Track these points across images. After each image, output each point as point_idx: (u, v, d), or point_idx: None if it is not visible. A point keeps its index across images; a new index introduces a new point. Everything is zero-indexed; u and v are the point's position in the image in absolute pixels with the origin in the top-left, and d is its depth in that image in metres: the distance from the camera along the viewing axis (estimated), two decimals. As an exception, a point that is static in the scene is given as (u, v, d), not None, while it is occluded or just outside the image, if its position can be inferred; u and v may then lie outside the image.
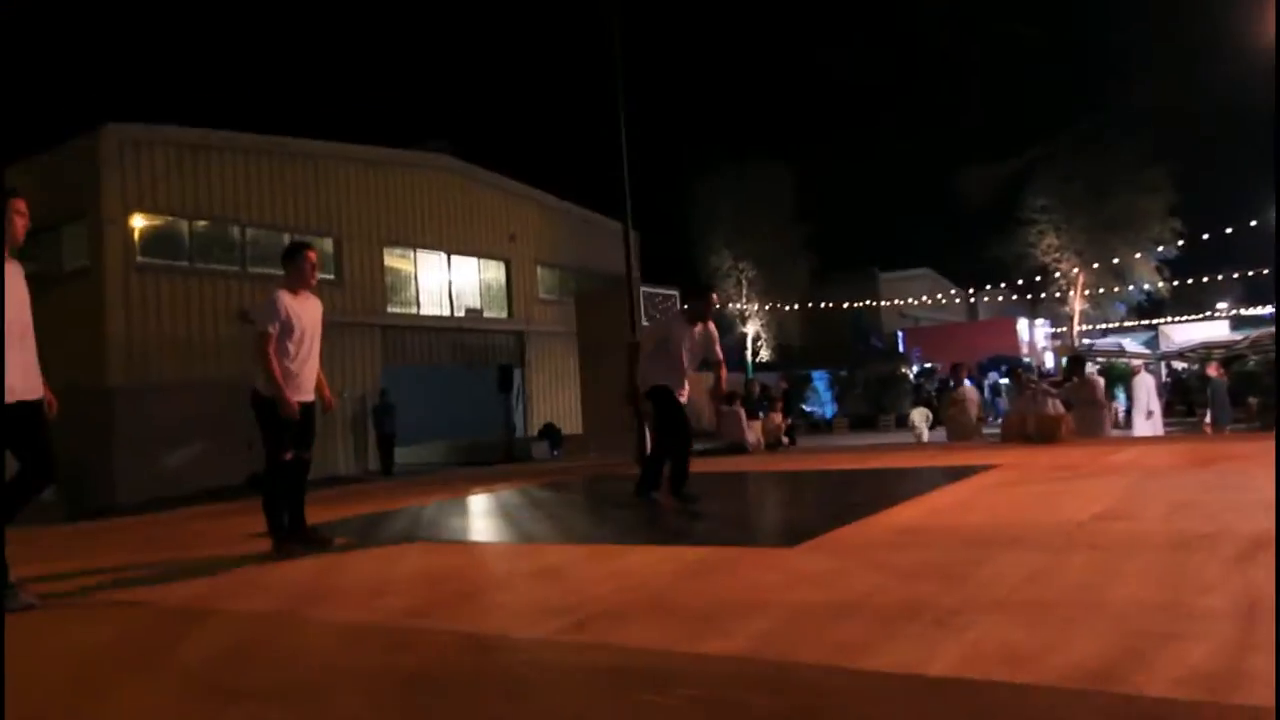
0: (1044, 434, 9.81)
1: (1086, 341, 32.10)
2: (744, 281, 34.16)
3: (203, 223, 19.10)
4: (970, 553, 3.78)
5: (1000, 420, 13.92)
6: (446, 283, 24.29)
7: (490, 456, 18.54)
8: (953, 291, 46.37)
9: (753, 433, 11.93)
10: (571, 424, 21.73)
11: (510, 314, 25.67)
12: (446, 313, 24.05)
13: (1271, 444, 7.99)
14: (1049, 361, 34.96)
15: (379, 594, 3.85)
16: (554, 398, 25.02)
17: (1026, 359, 34.24)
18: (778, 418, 13.28)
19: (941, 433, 17.29)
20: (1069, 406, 10.92)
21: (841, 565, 3.76)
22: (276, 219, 20.12)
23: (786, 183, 33.97)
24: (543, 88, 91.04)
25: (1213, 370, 19.28)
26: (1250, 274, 37.68)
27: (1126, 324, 37.43)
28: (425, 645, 2.90)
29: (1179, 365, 28.52)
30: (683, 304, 6.34)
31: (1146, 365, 27.94)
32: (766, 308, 33.66)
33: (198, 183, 18.80)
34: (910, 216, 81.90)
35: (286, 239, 20.00)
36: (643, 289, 15.45)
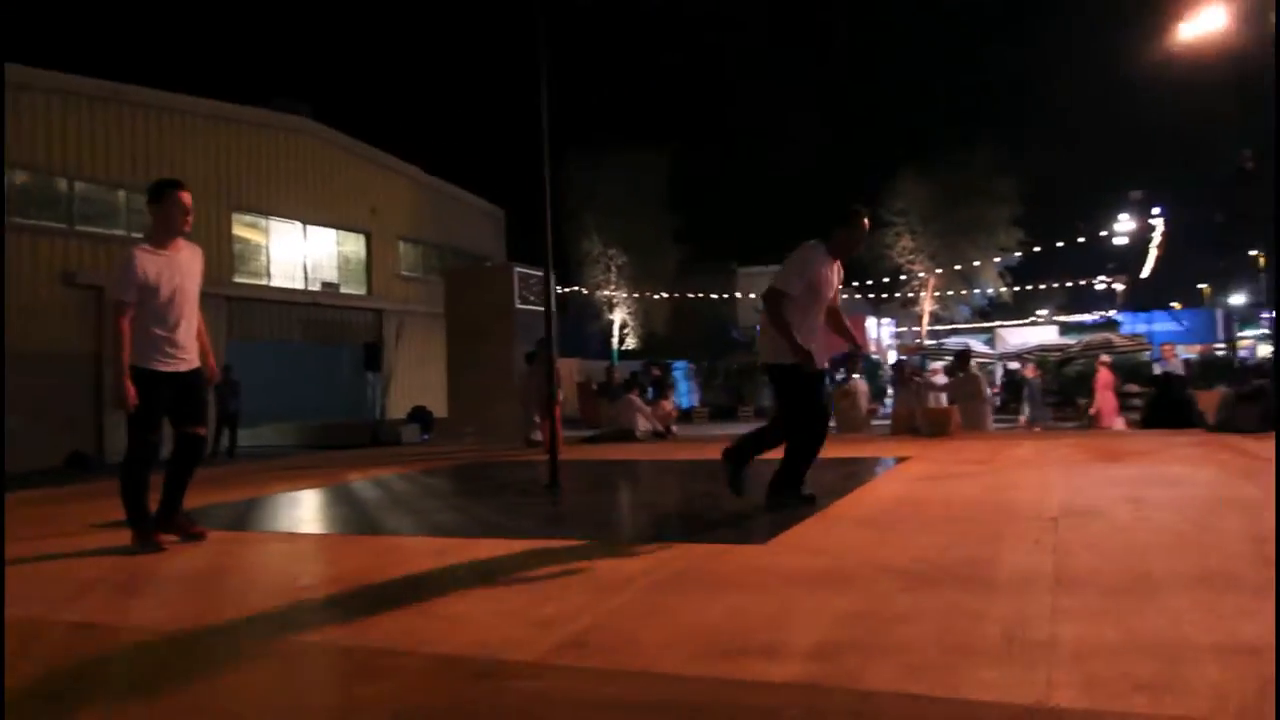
0: (933, 427, 9.92)
1: (933, 341, 33.61)
2: (613, 268, 33.84)
3: (23, 174, 16.99)
4: (966, 549, 3.51)
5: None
6: (301, 254, 22.75)
7: (354, 439, 17.41)
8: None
9: (646, 420, 11.57)
10: (435, 407, 20.79)
11: (369, 290, 24.34)
12: (300, 286, 22.52)
13: (1152, 441, 8.31)
14: (892, 359, 36.47)
15: (304, 600, 3.21)
16: (415, 379, 23.91)
17: (874, 356, 35.57)
18: (668, 405, 12.99)
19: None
20: (952, 400, 11.15)
21: (836, 565, 3.40)
22: (110, 174, 18.17)
23: (660, 172, 33.83)
24: (412, 61, 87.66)
25: (1029, 371, 20.65)
26: (1082, 283, 40.53)
27: (963, 326, 39.54)
28: (399, 672, 2.32)
29: (1013, 366, 30.37)
30: (832, 232, 4.80)
31: (985, 364, 29.62)
32: (634, 296, 33.47)
33: (20, 129, 16.68)
34: (770, 213, 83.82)
35: (122, 196, 18.14)
36: (517, 270, 14.84)
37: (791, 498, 4.82)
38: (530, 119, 6.80)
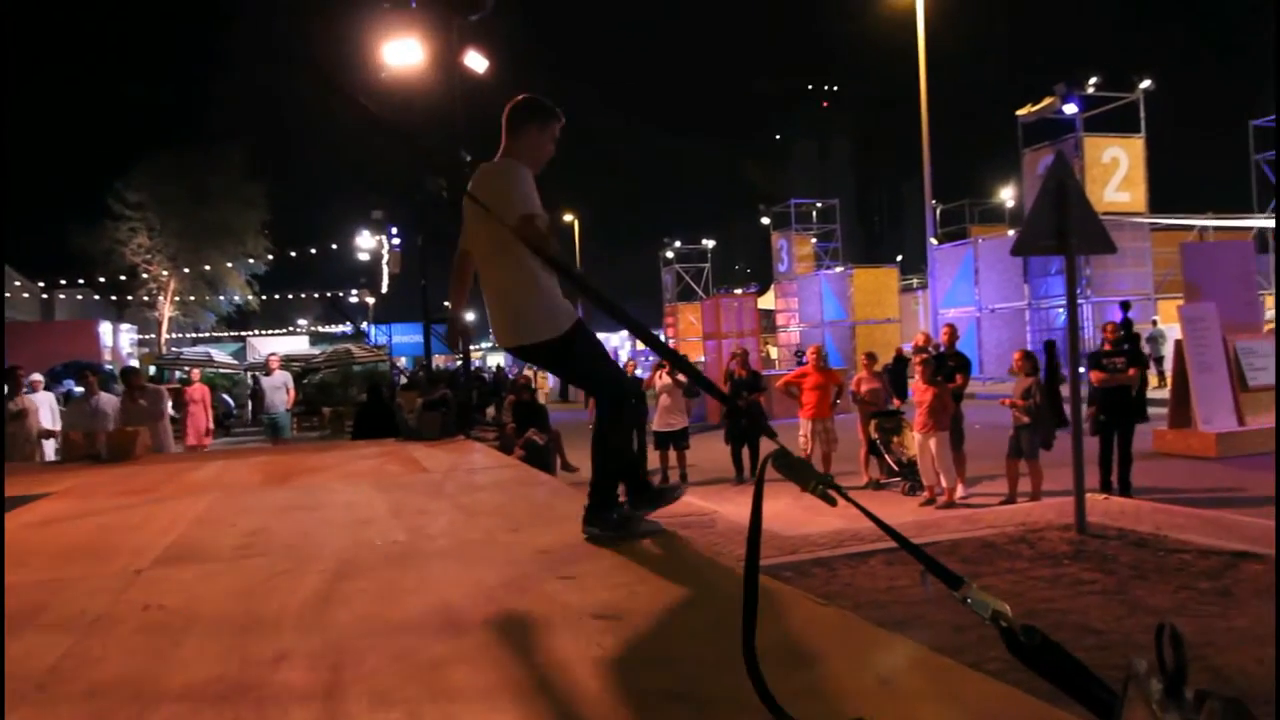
0: (116, 451, 8.58)
1: (175, 350, 31.15)
2: None
3: None
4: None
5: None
6: None
7: None
8: (21, 286, 40.30)
9: None
10: None
11: None
12: None
13: (342, 454, 8.35)
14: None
15: None
16: None
17: (109, 365, 31.60)
18: None
19: None
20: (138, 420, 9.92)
21: None
22: None
23: None
24: None
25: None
26: (328, 295, 41.77)
27: (216, 334, 37.71)
28: None
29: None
30: (521, 139, 3.47)
31: (232, 375, 28.50)
32: None
33: None
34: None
35: None
36: None
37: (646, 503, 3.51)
38: None
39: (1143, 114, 24.68)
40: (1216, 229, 24.41)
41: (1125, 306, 18.57)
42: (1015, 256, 9.17)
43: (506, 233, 3.06)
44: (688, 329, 48.15)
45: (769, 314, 38.29)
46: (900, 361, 19.77)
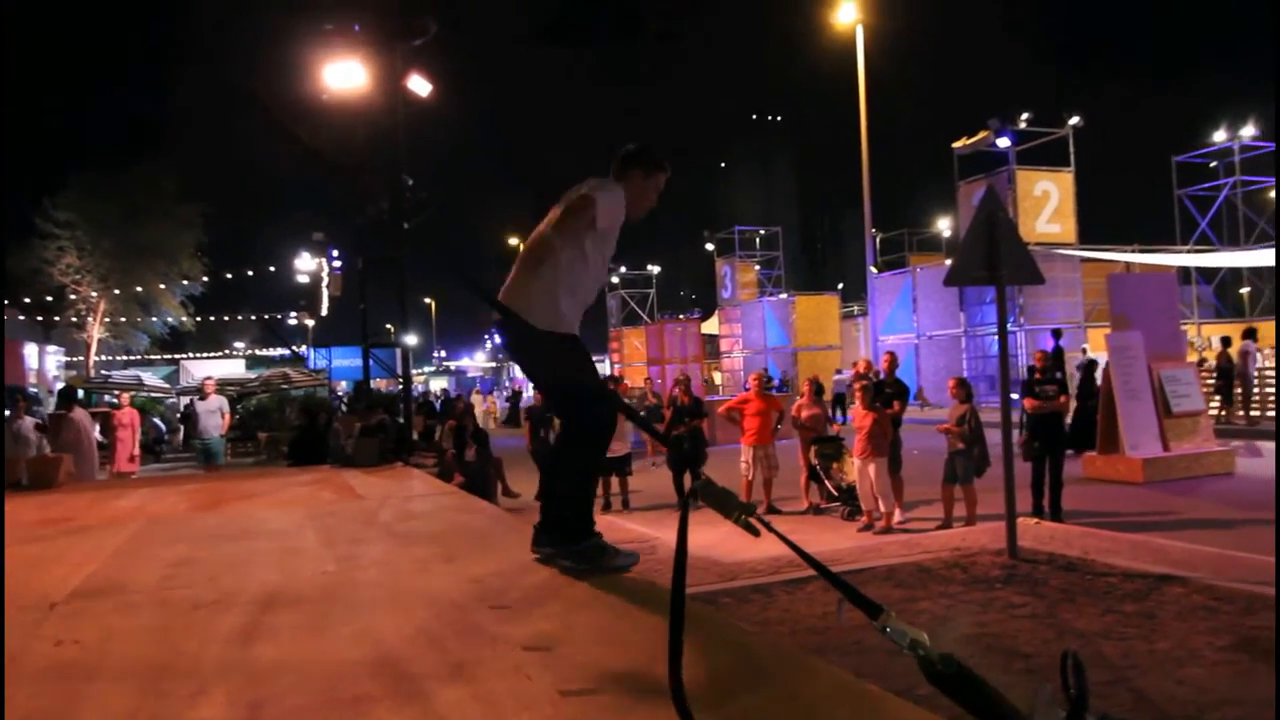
0: (38, 479, 8.28)
1: (105, 373, 30.21)
2: None
3: None
4: None
5: None
6: None
7: None
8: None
9: None
10: None
11: None
12: None
13: (277, 480, 8.16)
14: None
15: None
16: None
17: (34, 389, 30.52)
18: None
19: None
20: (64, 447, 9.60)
21: None
22: None
23: None
24: None
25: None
26: (266, 318, 40.96)
27: (149, 357, 36.70)
28: None
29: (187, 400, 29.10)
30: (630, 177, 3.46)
31: (160, 399, 27.72)
32: None
33: None
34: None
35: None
36: None
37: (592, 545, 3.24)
38: None
39: (1072, 149, 25.54)
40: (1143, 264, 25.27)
41: (1057, 335, 19.08)
42: (948, 287, 9.38)
43: (550, 234, 3.18)
44: (632, 354, 48.19)
45: (713, 339, 38.52)
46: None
